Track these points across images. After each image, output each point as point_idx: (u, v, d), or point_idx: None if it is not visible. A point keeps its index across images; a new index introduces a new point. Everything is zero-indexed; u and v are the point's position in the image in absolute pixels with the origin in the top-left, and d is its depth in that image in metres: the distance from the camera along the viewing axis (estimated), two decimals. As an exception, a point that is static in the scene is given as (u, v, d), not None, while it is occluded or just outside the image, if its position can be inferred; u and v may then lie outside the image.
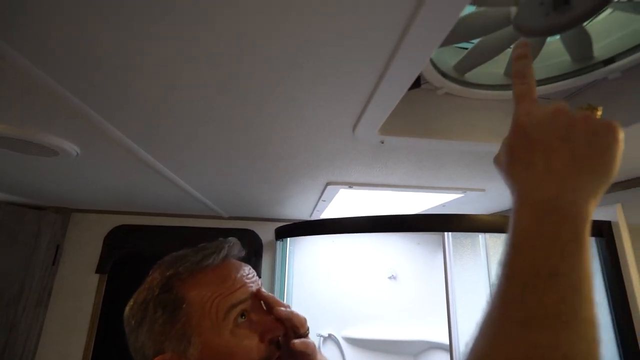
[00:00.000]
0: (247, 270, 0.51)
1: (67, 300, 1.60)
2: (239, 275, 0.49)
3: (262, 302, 0.50)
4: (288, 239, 1.34)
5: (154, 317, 0.44)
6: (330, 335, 1.72)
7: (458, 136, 0.67)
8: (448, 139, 0.66)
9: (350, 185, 1.01)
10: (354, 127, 0.61)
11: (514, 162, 0.32)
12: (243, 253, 0.54)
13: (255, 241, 1.75)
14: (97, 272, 1.65)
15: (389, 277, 1.79)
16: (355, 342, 1.72)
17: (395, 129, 0.64)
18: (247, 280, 0.49)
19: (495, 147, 0.71)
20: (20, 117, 0.63)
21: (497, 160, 0.35)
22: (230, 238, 0.52)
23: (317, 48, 0.41)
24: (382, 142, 0.66)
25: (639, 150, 0.77)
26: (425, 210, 1.37)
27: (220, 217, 1.74)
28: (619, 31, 0.57)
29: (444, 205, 1.27)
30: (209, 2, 0.35)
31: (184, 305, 0.44)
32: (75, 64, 0.45)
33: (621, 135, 0.30)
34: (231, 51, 0.42)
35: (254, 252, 1.73)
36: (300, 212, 1.54)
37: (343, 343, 1.72)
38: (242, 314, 0.46)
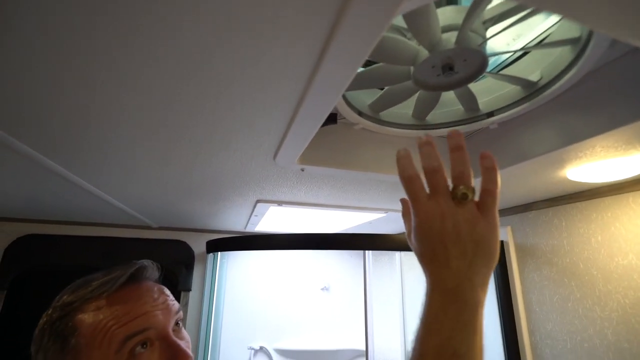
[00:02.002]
0: (158, 295, 0.47)
1: (-49, 322, 1.37)
2: (145, 301, 0.45)
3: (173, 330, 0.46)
4: (219, 252, 1.32)
5: (47, 345, 0.42)
6: (261, 348, 1.72)
7: (372, 168, 0.74)
8: (363, 171, 0.73)
9: (280, 203, 1.04)
10: (275, 155, 0.65)
11: (421, 254, 0.37)
12: (156, 276, 0.51)
13: (187, 253, 1.69)
14: (-7, 288, 1.44)
15: (322, 289, 1.85)
16: (286, 354, 1.74)
17: (313, 158, 0.68)
18: (155, 308, 0.45)
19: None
20: None
21: (409, 242, 0.40)
22: (143, 260, 0.49)
23: (235, 84, 0.44)
24: (303, 170, 0.71)
25: (517, 186, 0.93)
26: (354, 226, 1.46)
27: (149, 227, 1.65)
28: (496, 92, 0.69)
29: (370, 222, 1.37)
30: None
31: (75, 336, 0.42)
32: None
33: (495, 227, 0.36)
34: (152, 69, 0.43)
35: (184, 264, 1.66)
36: (234, 224, 1.52)
37: (274, 355, 1.73)
38: (143, 343, 0.43)
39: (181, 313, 0.50)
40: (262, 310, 1.74)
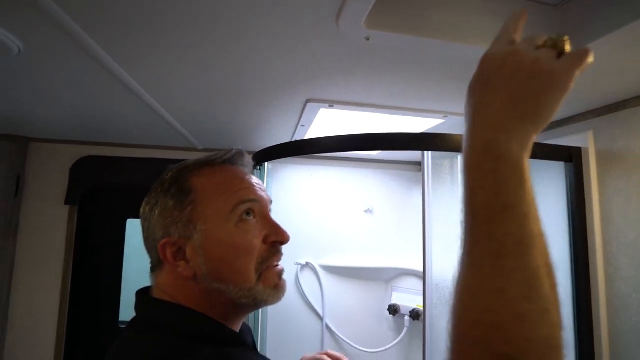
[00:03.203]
0: (253, 179, 0.52)
1: (38, 231, 1.55)
2: (246, 179, 0.51)
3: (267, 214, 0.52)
4: (266, 165, 1.31)
5: (165, 202, 0.47)
6: (307, 264, 1.79)
7: (450, 36, 0.63)
8: (436, 38, 0.62)
9: (331, 104, 0.97)
10: (337, 15, 0.55)
11: (470, 99, 0.34)
12: (251, 165, 0.56)
13: (233, 174, 1.72)
14: (66, 203, 1.58)
15: (365, 211, 1.85)
16: (331, 270, 1.82)
17: (382, 22, 0.58)
18: (255, 185, 0.51)
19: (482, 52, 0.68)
20: None
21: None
22: (240, 149, 0.55)
23: None
24: (368, 39, 0.61)
25: (611, 75, 0.76)
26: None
27: (195, 149, 1.67)
28: None
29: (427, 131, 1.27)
30: None
31: (192, 193, 0.47)
32: None
33: (565, 79, 0.32)
34: None
35: (231, 185, 1.70)
36: (278, 141, 1.49)
37: (320, 270, 1.80)
38: (248, 212, 0.48)
39: (271, 201, 0.55)
40: (307, 228, 1.79)
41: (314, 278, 1.80)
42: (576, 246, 1.02)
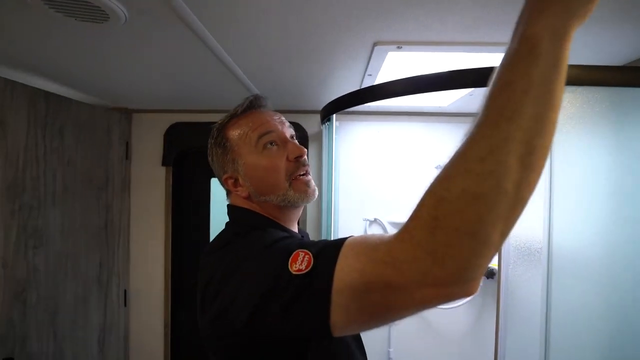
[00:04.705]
0: (272, 115, 0.66)
1: (144, 189, 1.85)
2: (264, 117, 0.65)
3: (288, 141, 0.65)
4: (333, 120, 1.33)
5: (215, 152, 0.67)
6: (375, 220, 1.83)
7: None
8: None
9: (399, 45, 0.93)
10: None
11: None
12: (267, 102, 0.69)
13: (301, 133, 1.79)
14: (163, 164, 1.84)
15: (436, 167, 1.78)
16: (399, 226, 1.82)
17: None
18: (272, 120, 0.65)
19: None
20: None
21: None
22: (256, 93, 0.68)
23: None
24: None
25: None
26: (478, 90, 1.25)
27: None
28: None
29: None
30: None
31: (229, 142, 0.64)
32: None
33: None
34: None
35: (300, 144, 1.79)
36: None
37: (388, 226, 1.83)
38: (270, 142, 0.62)
39: (292, 129, 0.68)
40: (375, 184, 1.80)
41: (381, 233, 1.84)
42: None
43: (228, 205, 0.68)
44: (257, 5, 0.78)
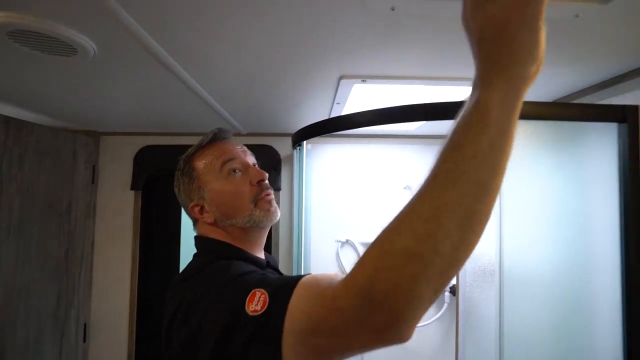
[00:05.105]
0: (235, 145, 0.72)
1: (111, 214, 1.78)
2: (227, 147, 0.70)
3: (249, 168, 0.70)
4: (304, 145, 1.38)
5: (182, 182, 0.70)
6: (347, 241, 1.86)
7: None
8: None
9: (364, 79, 1.00)
10: (364, -13, 0.59)
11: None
12: (230, 134, 0.74)
13: (274, 156, 1.82)
14: (132, 189, 1.79)
15: (404, 188, 1.85)
16: (371, 247, 1.86)
17: (407, -11, 0.60)
18: (234, 149, 0.70)
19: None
20: (37, 7, 0.64)
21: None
22: (220, 127, 0.73)
23: None
24: (393, 9, 0.64)
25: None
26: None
27: (239, 134, 1.80)
28: None
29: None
30: None
31: (195, 171, 0.68)
32: None
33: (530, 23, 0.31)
34: None
35: (272, 167, 1.81)
36: (316, 121, 1.56)
37: (360, 248, 1.86)
38: (234, 169, 0.67)
39: (254, 157, 0.73)
40: (347, 206, 1.85)
41: (353, 255, 1.87)
42: (628, 214, 0.96)
43: (195, 237, 0.71)
44: (227, 41, 0.81)
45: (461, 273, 1.06)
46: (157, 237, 1.89)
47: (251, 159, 0.72)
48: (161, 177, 1.89)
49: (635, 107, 0.97)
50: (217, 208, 0.66)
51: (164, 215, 1.91)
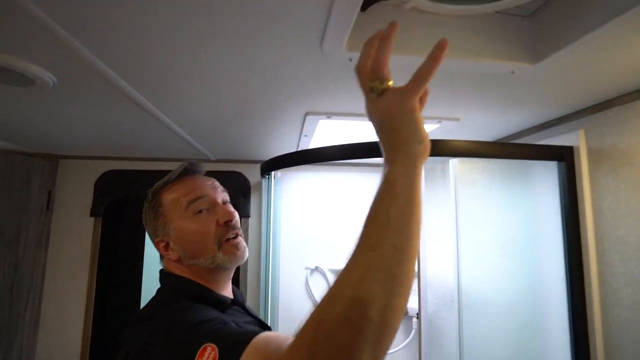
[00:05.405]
0: (206, 181, 0.70)
1: (66, 242, 1.68)
2: (196, 183, 0.69)
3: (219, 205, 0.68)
4: (273, 175, 1.39)
5: (149, 216, 0.69)
6: (317, 268, 1.86)
7: (423, 52, 0.69)
8: (416, 55, 0.69)
9: (328, 115, 1.04)
10: (321, 41, 0.63)
11: None
12: (202, 169, 0.74)
13: (243, 182, 1.82)
14: (91, 215, 1.71)
15: (372, 215, 1.90)
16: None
17: (360, 44, 0.65)
18: (204, 185, 0.69)
19: (463, 63, 0.74)
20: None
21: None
22: (191, 160, 0.73)
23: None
24: (351, 60, 0.69)
25: (597, 73, 0.81)
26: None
27: (208, 160, 1.78)
28: None
29: (421, 139, 1.33)
30: None
31: (161, 207, 0.67)
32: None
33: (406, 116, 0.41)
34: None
35: (241, 193, 1.80)
36: (285, 151, 1.58)
37: (329, 274, 1.86)
38: (200, 209, 0.66)
39: (226, 194, 0.72)
40: (316, 233, 1.86)
41: (323, 282, 1.86)
42: (570, 243, 1.05)
43: (160, 271, 0.70)
44: (195, 78, 0.83)
45: (422, 298, 1.09)
46: (117, 267, 1.79)
47: (221, 196, 0.70)
48: (124, 203, 1.82)
49: (570, 148, 1.08)
50: (181, 247, 0.65)
51: (126, 244, 1.82)
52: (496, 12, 0.72)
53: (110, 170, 1.76)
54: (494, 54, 0.72)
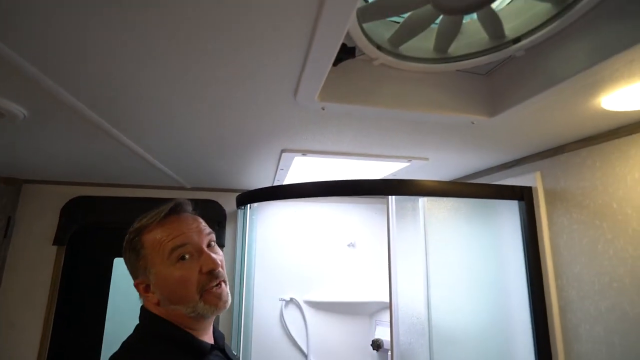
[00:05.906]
0: (191, 223, 0.67)
1: (24, 272, 1.57)
2: (182, 226, 0.66)
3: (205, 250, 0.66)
4: (249, 206, 1.39)
5: (129, 256, 0.66)
6: (292, 299, 1.83)
7: (393, 105, 0.74)
8: (383, 107, 0.74)
9: (304, 152, 1.07)
10: (295, 92, 0.67)
11: None
12: (190, 208, 0.70)
13: (219, 211, 1.79)
14: (54, 244, 1.62)
15: (348, 245, 1.92)
16: (315, 305, 1.85)
17: (333, 95, 0.70)
18: (189, 230, 0.66)
19: (427, 116, 0.80)
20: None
21: None
22: (180, 198, 0.69)
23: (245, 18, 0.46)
24: (323, 109, 0.72)
25: (548, 124, 0.89)
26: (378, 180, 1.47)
27: (183, 188, 1.76)
28: (523, 14, 0.66)
29: (394, 175, 1.38)
30: None
31: (143, 248, 0.64)
32: (21, 22, 0.47)
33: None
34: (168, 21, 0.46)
35: (217, 222, 1.77)
36: (262, 180, 1.59)
37: (304, 306, 1.84)
38: (183, 256, 0.63)
39: (213, 235, 0.69)
40: (291, 264, 1.84)
41: (298, 314, 1.83)
42: (532, 278, 1.10)
43: (141, 307, 0.68)
44: (166, 113, 0.84)
45: (394, 325, 1.11)
46: (79, 300, 1.69)
47: (207, 239, 0.67)
48: (92, 231, 1.74)
49: (529, 188, 1.16)
50: (161, 292, 0.63)
51: (91, 275, 1.73)
52: (457, 70, 0.79)
53: (78, 197, 1.69)
54: (455, 107, 0.78)
